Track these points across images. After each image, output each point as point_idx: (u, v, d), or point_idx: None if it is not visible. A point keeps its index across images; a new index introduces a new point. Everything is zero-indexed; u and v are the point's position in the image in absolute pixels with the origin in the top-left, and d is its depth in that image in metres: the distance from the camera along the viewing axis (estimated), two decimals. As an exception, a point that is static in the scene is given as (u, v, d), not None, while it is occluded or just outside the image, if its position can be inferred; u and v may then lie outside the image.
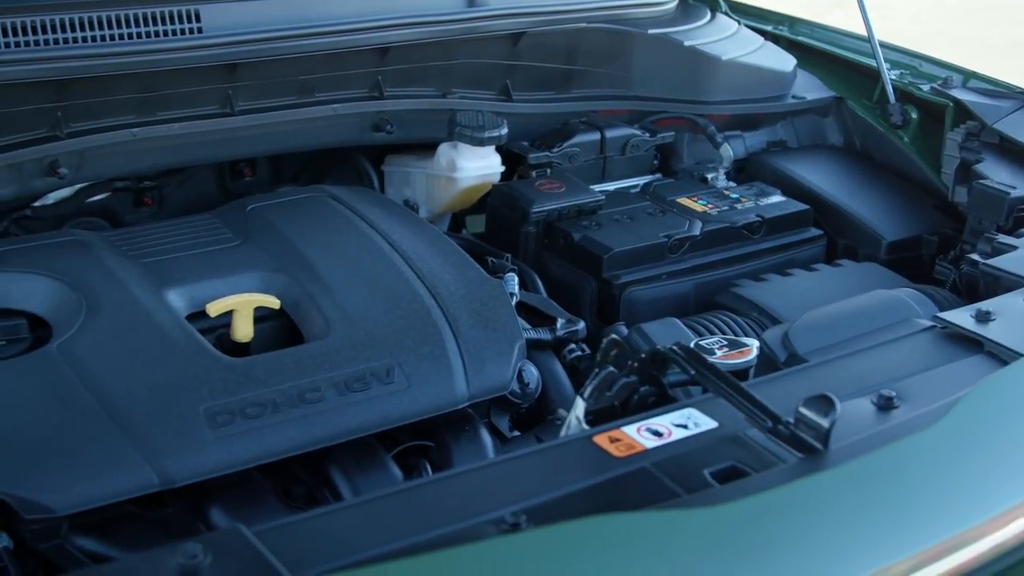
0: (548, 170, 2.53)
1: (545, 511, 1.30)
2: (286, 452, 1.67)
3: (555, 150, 2.57)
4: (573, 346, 2.08)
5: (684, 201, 2.48)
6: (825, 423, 1.39)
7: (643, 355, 1.55)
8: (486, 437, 1.83)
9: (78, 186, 2.40)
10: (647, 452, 1.43)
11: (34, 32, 2.12)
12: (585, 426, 1.52)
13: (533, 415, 2.00)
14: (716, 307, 2.23)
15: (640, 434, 1.46)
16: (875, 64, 2.83)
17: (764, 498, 1.32)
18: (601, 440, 1.45)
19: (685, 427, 1.48)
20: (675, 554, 1.23)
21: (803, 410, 1.41)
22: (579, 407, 1.53)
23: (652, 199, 2.50)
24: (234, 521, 1.62)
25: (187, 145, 2.33)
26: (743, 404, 1.47)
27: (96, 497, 1.55)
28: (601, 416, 1.55)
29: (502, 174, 2.57)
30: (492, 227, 2.46)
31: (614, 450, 1.43)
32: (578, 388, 1.98)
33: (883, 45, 2.86)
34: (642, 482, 1.37)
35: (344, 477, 1.72)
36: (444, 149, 2.52)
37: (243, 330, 1.88)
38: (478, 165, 2.49)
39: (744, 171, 2.76)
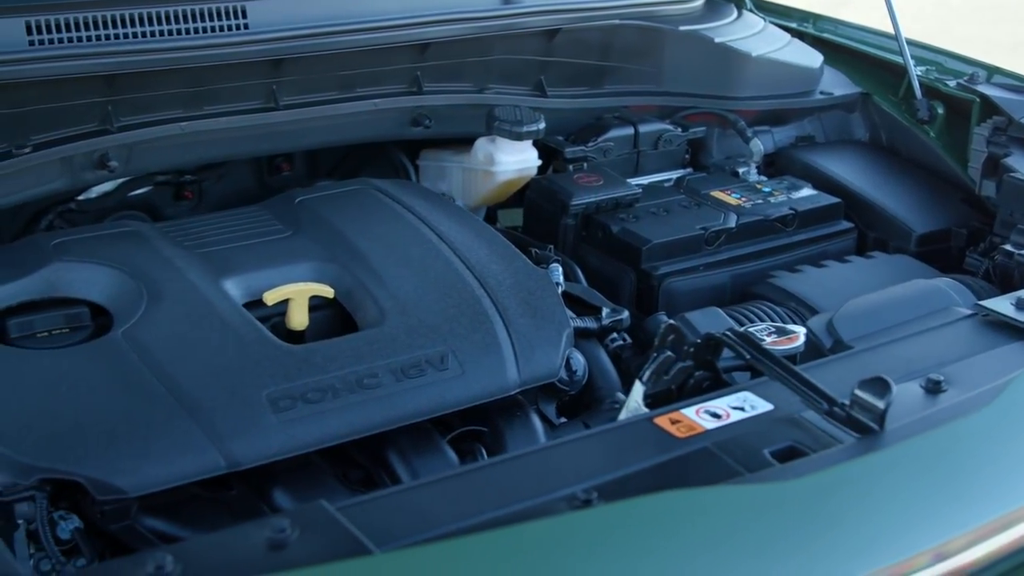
0: (584, 164, 2.57)
1: (614, 488, 1.35)
2: (346, 436, 1.71)
3: (590, 144, 2.61)
4: (615, 335, 2.12)
5: (718, 194, 2.52)
6: (881, 404, 1.43)
7: (699, 340, 1.59)
8: (537, 422, 1.87)
9: (120, 180, 2.44)
10: (707, 433, 1.47)
11: (86, 28, 2.16)
12: (644, 409, 1.56)
13: (578, 402, 2.04)
14: (753, 297, 2.27)
15: (699, 416, 1.51)
16: (900, 60, 2.88)
17: (825, 476, 1.37)
18: (662, 422, 1.49)
19: (742, 409, 1.53)
20: (744, 529, 1.28)
21: (859, 392, 1.46)
22: (638, 390, 1.57)
23: (686, 192, 2.55)
24: (298, 502, 1.66)
25: (232, 139, 2.38)
26: (799, 387, 1.51)
27: (165, 479, 1.59)
28: (658, 399, 1.60)
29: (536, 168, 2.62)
30: (530, 220, 2.50)
31: (675, 431, 1.47)
32: (622, 376, 2.05)
33: (908, 42, 2.90)
34: (705, 461, 1.41)
35: (402, 460, 1.76)
36: (482, 143, 2.56)
37: (298, 318, 1.92)
38: (516, 159, 2.53)
39: (773, 165, 2.81)
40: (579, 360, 1.99)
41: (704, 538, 1.26)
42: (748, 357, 1.56)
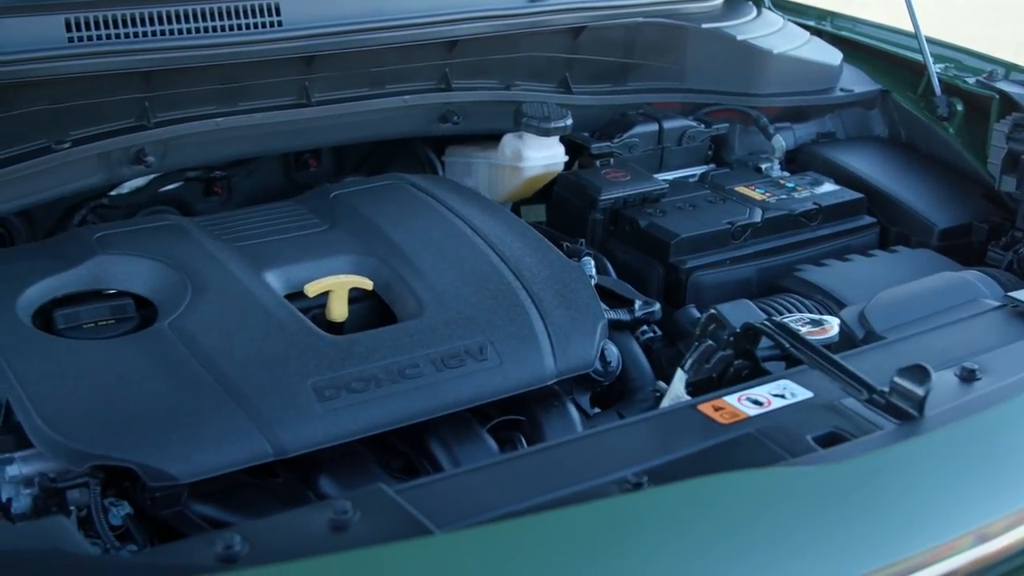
0: (611, 160, 2.61)
1: (663, 472, 1.38)
2: (390, 424, 1.74)
3: (616, 140, 2.65)
4: (646, 327, 2.16)
5: (742, 190, 2.56)
6: (921, 391, 1.47)
7: (739, 330, 1.62)
8: (574, 412, 1.91)
9: (151, 176, 2.47)
10: (750, 419, 1.51)
11: (124, 25, 2.20)
12: (686, 396, 1.60)
13: (610, 392, 2.07)
14: (780, 290, 2.30)
15: (741, 403, 1.54)
16: (918, 58, 2.91)
17: (869, 460, 1.40)
18: (706, 408, 1.53)
19: (783, 397, 1.56)
20: (793, 509, 1.31)
21: (898, 380, 1.49)
22: (680, 379, 1.61)
23: (711, 188, 2.58)
24: (343, 490, 1.70)
25: (265, 135, 2.41)
26: (838, 375, 1.55)
27: (215, 466, 1.62)
28: (699, 387, 1.63)
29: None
30: (557, 214, 2.54)
31: (719, 417, 1.51)
32: (653, 367, 2.08)
33: (926, 40, 2.93)
34: (749, 446, 1.44)
35: (443, 448, 1.80)
36: (509, 139, 2.59)
37: (338, 310, 1.96)
38: (543, 155, 2.56)
39: (795, 161, 2.84)
40: (613, 351, 2.03)
41: (754, 519, 1.29)
42: (788, 346, 1.59)
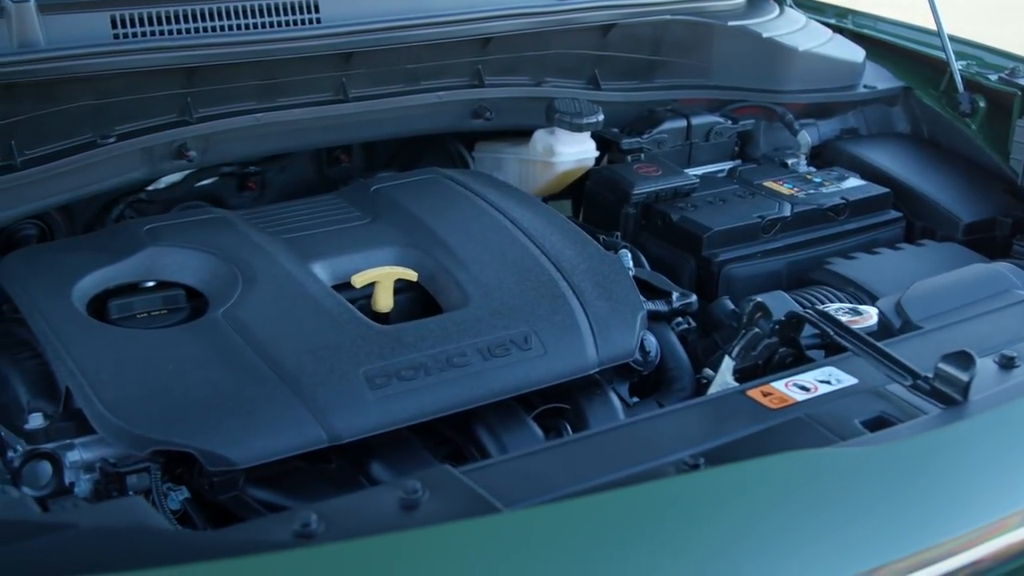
0: (641, 155, 2.65)
1: (718, 454, 1.42)
2: (439, 412, 1.78)
3: (645, 136, 2.69)
4: (680, 319, 2.19)
5: (771, 185, 2.60)
6: (965, 377, 1.51)
7: (784, 318, 1.66)
8: (615, 400, 1.94)
9: (187, 171, 2.51)
10: (798, 404, 1.55)
11: (168, 21, 2.24)
12: (734, 383, 1.64)
13: (646, 383, 2.11)
14: (812, 283, 2.34)
15: (789, 389, 1.58)
16: (940, 55, 2.95)
17: (917, 442, 1.44)
18: (754, 394, 1.57)
19: (828, 383, 1.60)
20: (847, 489, 1.35)
21: (942, 366, 1.53)
22: (727, 365, 1.65)
23: (739, 183, 2.62)
24: (395, 475, 1.74)
25: (303, 130, 2.45)
26: (883, 361, 1.59)
27: (272, 452, 1.66)
28: (745, 374, 1.67)
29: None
30: (590, 209, 2.58)
31: (768, 403, 1.55)
32: (690, 358, 2.12)
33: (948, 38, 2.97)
34: (800, 430, 1.49)
35: (491, 435, 1.83)
36: (541, 135, 2.63)
37: (384, 301, 2.00)
38: (575, 150, 2.60)
39: (819, 157, 2.88)
40: (652, 341, 2.07)
41: (810, 498, 1.33)
42: (832, 334, 1.63)
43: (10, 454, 1.81)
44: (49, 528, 1.15)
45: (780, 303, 2.12)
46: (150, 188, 2.51)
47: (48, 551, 1.13)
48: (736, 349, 1.66)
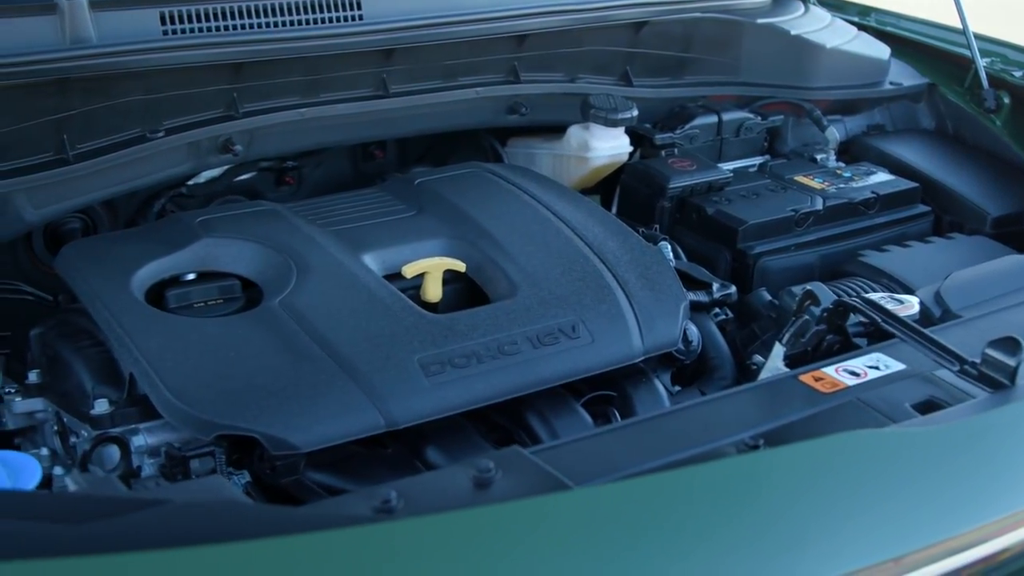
0: (675, 150, 2.69)
1: (776, 435, 1.46)
2: (491, 398, 1.82)
3: (678, 131, 2.73)
4: (718, 310, 2.24)
5: (802, 179, 2.65)
6: (1012, 362, 1.55)
7: (832, 306, 1.71)
8: (661, 388, 1.99)
9: (227, 166, 2.55)
10: (850, 389, 1.59)
11: (215, 18, 2.28)
12: (784, 368, 1.68)
13: (683, 372, 2.15)
14: (845, 275, 2.39)
15: (839, 374, 1.63)
16: (963, 52, 3.00)
17: (969, 425, 1.48)
18: (807, 379, 1.62)
19: (877, 368, 1.65)
20: (904, 468, 1.39)
21: (989, 351, 1.58)
22: (778, 352, 1.69)
23: (770, 177, 2.67)
24: (450, 460, 1.78)
25: (345, 125, 2.49)
26: (930, 348, 1.63)
27: (332, 436, 1.71)
28: (795, 360, 1.71)
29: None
30: (624, 203, 2.62)
31: (820, 387, 1.60)
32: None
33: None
34: (853, 412, 1.53)
35: (541, 422, 1.88)
36: (575, 130, 2.68)
37: (433, 291, 2.04)
38: (609, 145, 2.65)
39: (847, 153, 2.93)
40: (694, 331, 2.11)
41: (868, 476, 1.37)
42: (880, 321, 1.68)
43: (73, 439, 1.86)
44: (145, 504, 1.19)
45: (820, 294, 2.16)
46: (190, 183, 2.55)
47: (147, 525, 1.17)
48: (786, 336, 1.71)
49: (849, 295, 2.23)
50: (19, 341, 2.16)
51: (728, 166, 2.76)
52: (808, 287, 1.77)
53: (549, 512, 1.28)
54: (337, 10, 2.39)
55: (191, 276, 2.02)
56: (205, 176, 2.56)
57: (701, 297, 2.17)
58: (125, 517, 1.17)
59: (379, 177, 2.76)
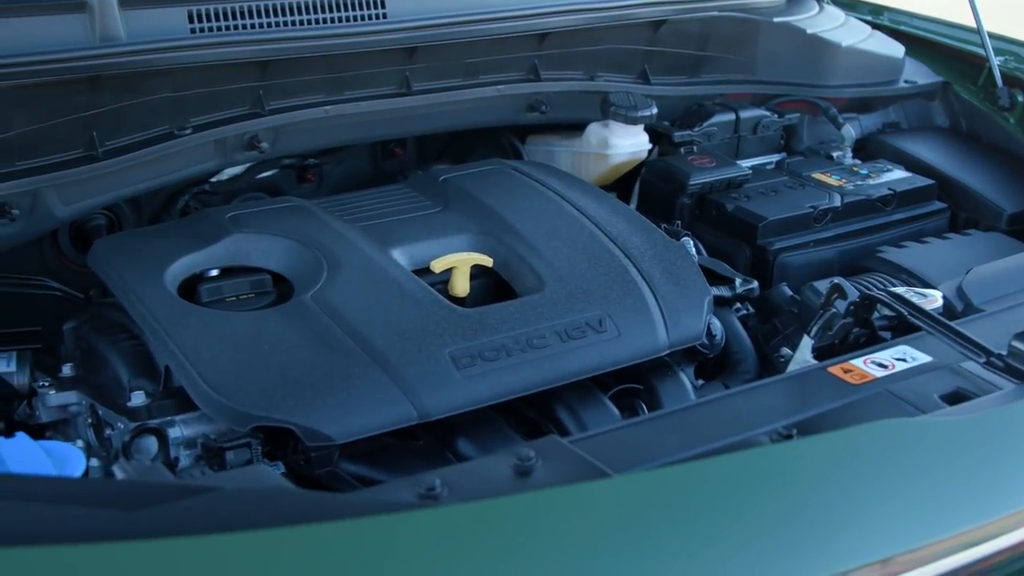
0: (694, 147, 2.72)
1: (808, 425, 1.49)
2: (521, 391, 1.85)
3: (696, 129, 2.76)
4: (739, 305, 2.27)
5: (819, 176, 2.67)
6: (1038, 353, 1.58)
7: (859, 299, 1.73)
8: (686, 381, 2.02)
9: (249, 163, 2.58)
10: (878, 380, 1.62)
11: (242, 16, 2.30)
12: (813, 361, 1.71)
13: (705, 366, 2.18)
14: (864, 270, 2.41)
15: (867, 366, 1.65)
16: (977, 51, 3.02)
17: (998, 415, 1.51)
18: (835, 371, 1.64)
19: (904, 360, 1.67)
20: (936, 457, 1.42)
21: (1016, 343, 1.60)
22: (807, 344, 1.72)
23: (788, 174, 2.69)
24: (481, 452, 1.81)
25: (368, 122, 2.52)
26: (956, 340, 1.66)
27: (366, 428, 1.73)
28: (822, 353, 1.74)
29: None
30: (645, 199, 2.65)
31: (849, 379, 1.62)
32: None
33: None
34: (883, 403, 1.56)
35: (570, 414, 1.90)
36: (595, 128, 2.70)
37: (461, 286, 2.07)
38: (629, 143, 2.67)
39: (863, 150, 2.95)
40: (717, 325, 2.14)
41: (901, 465, 1.40)
42: (907, 314, 1.70)
43: (108, 431, 1.89)
44: (197, 491, 1.22)
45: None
46: (213, 180, 2.57)
47: (199, 511, 1.19)
48: (814, 328, 1.73)
49: (871, 291, 2.26)
50: (49, 336, 2.19)
51: (745, 163, 2.79)
52: (836, 281, 1.80)
53: (590, 499, 1.31)
54: (362, 8, 2.41)
55: (214, 272, 2.05)
56: (228, 173, 2.58)
57: (724, 292, 2.20)
58: (178, 503, 1.20)
59: (399, 175, 2.80)
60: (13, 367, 2.16)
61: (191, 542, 1.14)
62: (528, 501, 1.30)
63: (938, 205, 2.70)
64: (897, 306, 1.72)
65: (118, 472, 1.43)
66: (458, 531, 1.25)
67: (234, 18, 2.30)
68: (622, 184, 2.82)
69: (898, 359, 1.67)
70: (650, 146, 2.72)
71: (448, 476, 1.35)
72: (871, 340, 1.80)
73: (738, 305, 2.26)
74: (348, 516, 1.22)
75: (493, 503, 1.29)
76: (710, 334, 2.11)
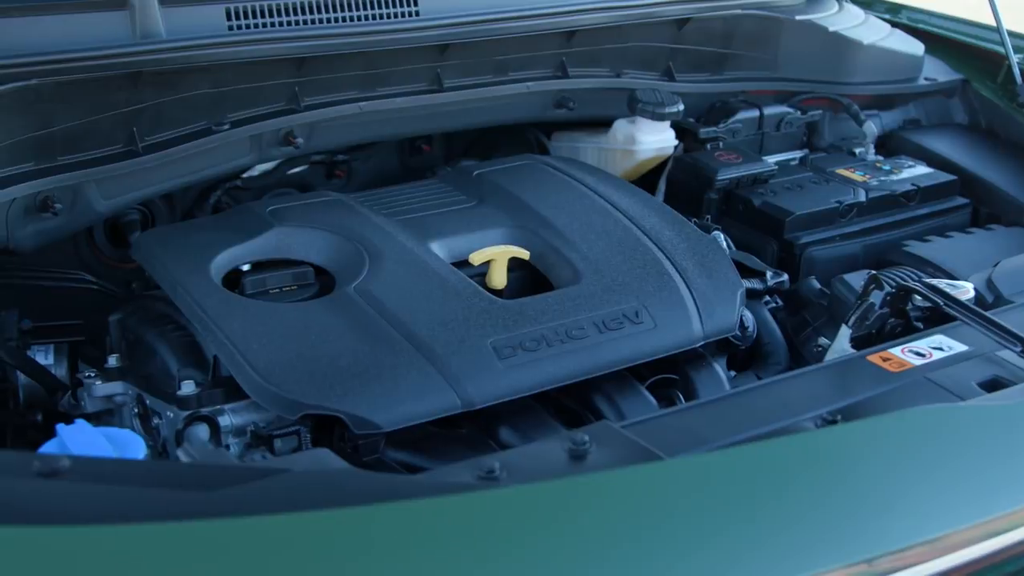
0: (720, 143, 2.76)
1: (851, 411, 1.53)
2: (561, 381, 1.89)
3: (720, 126, 2.80)
4: (768, 297, 2.30)
5: (843, 172, 2.71)
6: (1073, 343, 1.61)
7: (894, 290, 1.77)
8: (721, 371, 2.05)
9: (279, 159, 2.62)
10: (917, 368, 1.65)
11: (279, 14, 2.35)
12: (851, 350, 1.74)
13: (735, 358, 2.22)
14: (889, 264, 2.45)
15: (905, 354, 1.69)
16: (996, 48, 3.06)
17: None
18: (874, 359, 1.68)
19: (941, 349, 1.71)
20: (978, 441, 1.45)
21: (1051, 332, 1.64)
22: (845, 334, 1.75)
23: (812, 170, 2.73)
24: (523, 440, 1.84)
25: (401, 119, 2.56)
26: (992, 330, 1.69)
27: (412, 416, 1.77)
28: (859, 343, 1.77)
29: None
30: (672, 195, 2.68)
31: (888, 367, 1.66)
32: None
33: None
34: (923, 390, 1.60)
35: (608, 404, 1.94)
36: (621, 124, 2.74)
37: (499, 278, 2.10)
38: (656, 139, 2.71)
39: (884, 147, 2.99)
40: (749, 317, 2.17)
41: (945, 449, 1.44)
42: (942, 304, 1.74)
43: (155, 420, 1.93)
44: (268, 472, 1.25)
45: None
46: (244, 176, 2.61)
47: (272, 491, 1.23)
48: (852, 318, 1.77)
49: (906, 282, 2.30)
50: (91, 328, 2.23)
51: (769, 160, 2.82)
52: (874, 272, 1.84)
53: (644, 481, 1.34)
54: (395, 6, 2.45)
55: (246, 267, 2.08)
56: (258, 169, 2.62)
57: (756, 285, 2.23)
58: (251, 484, 1.24)
59: (427, 171, 2.83)
60: (51, 360, 2.20)
61: (267, 520, 1.18)
62: (585, 483, 1.34)
63: (960, 200, 2.74)
64: (933, 296, 1.76)
65: (183, 457, 1.47)
66: (518, 511, 1.28)
67: (271, 15, 2.34)
68: (645, 181, 2.86)
69: (935, 348, 1.71)
70: (677, 142, 2.75)
71: (506, 459, 1.38)
72: (906, 330, 1.84)
73: (767, 298, 2.30)
74: (413, 496, 1.26)
75: (551, 484, 1.32)
76: (743, 326, 2.15)
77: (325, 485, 1.25)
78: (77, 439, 1.50)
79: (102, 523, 1.14)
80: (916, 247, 2.47)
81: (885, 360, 1.66)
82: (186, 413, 1.81)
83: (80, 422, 1.55)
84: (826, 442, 1.45)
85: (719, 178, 2.58)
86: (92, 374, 2.04)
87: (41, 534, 1.17)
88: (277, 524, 1.16)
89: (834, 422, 1.48)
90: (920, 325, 1.91)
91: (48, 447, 1.50)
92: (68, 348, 2.23)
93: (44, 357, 2.19)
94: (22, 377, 2.13)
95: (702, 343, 2.03)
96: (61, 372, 2.19)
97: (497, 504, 1.28)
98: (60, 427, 1.53)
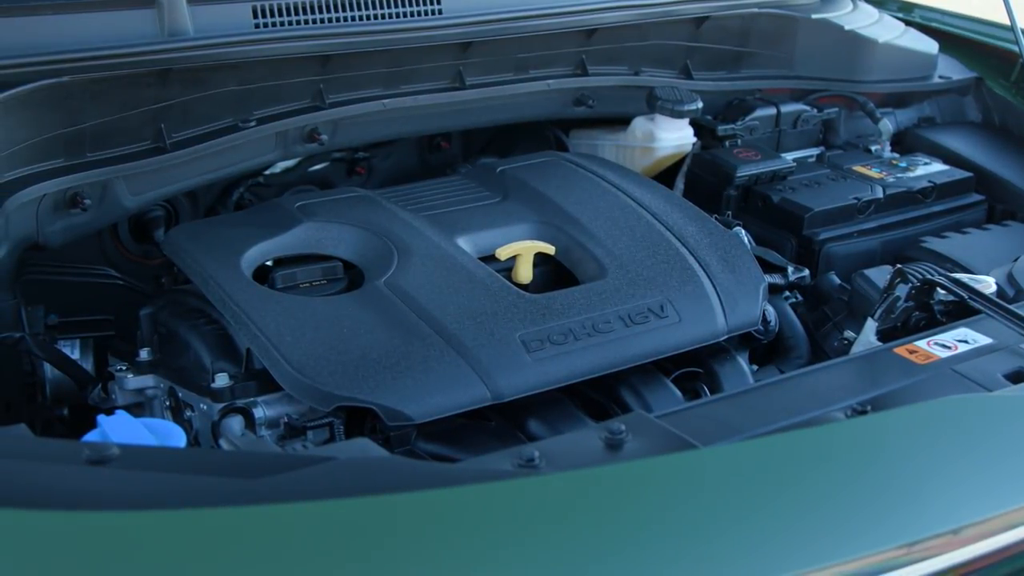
0: (738, 140, 2.78)
1: (880, 402, 1.55)
2: (588, 374, 1.91)
3: (738, 123, 2.82)
4: (788, 293, 2.33)
5: (860, 169, 2.74)
6: (1097, 334, 1.64)
7: (919, 283, 1.80)
8: (744, 365, 2.08)
9: (300, 156, 2.64)
10: (943, 360, 1.68)
11: (304, 12, 2.37)
12: (877, 342, 1.77)
13: (755, 352, 2.24)
14: (908, 260, 2.47)
15: (931, 347, 1.72)
16: (1009, 46, 3.08)
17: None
18: (901, 351, 1.70)
19: (966, 342, 1.74)
20: (1008, 431, 1.48)
21: (1075, 325, 1.66)
22: (870, 327, 1.78)
23: (829, 167, 2.76)
24: (551, 432, 1.87)
25: (423, 116, 2.58)
26: (1016, 323, 1.72)
27: (443, 408, 1.79)
28: (883, 336, 1.80)
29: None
30: (691, 191, 2.71)
31: (914, 359, 1.68)
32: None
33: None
34: (950, 381, 1.62)
35: (635, 396, 1.97)
36: (640, 121, 2.76)
37: (524, 273, 2.13)
38: (675, 136, 2.74)
39: (900, 144, 3.02)
40: (771, 312, 2.20)
41: (972, 437, 1.46)
42: (967, 298, 1.77)
43: (187, 413, 1.95)
44: (314, 460, 1.28)
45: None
46: (267, 173, 2.64)
47: (317, 479, 1.26)
48: (878, 312, 1.80)
49: (931, 276, 2.32)
50: (121, 323, 2.25)
51: (790, 156, 2.85)
52: (900, 266, 1.86)
53: (680, 469, 1.37)
54: (419, 4, 2.48)
55: (269, 262, 2.11)
56: (281, 166, 2.65)
57: (777, 280, 2.26)
58: (297, 472, 1.26)
59: (446, 168, 2.86)
60: (77, 354, 2.23)
61: (313, 506, 1.21)
62: (622, 471, 1.36)
63: (976, 197, 2.77)
64: (958, 290, 1.78)
65: (225, 446, 1.49)
66: (557, 498, 1.31)
67: (296, 13, 2.37)
68: (662, 178, 2.88)
69: (960, 341, 1.73)
70: (695, 140, 2.78)
71: (544, 448, 1.41)
72: (930, 323, 1.86)
73: (787, 293, 2.32)
74: (456, 483, 1.28)
75: (589, 472, 1.35)
76: (765, 320, 2.17)
77: (371, 472, 1.28)
78: (119, 429, 1.53)
79: (151, 509, 1.17)
80: (934, 243, 2.50)
81: (912, 352, 1.69)
82: (221, 405, 1.83)
83: (121, 412, 1.58)
84: (858, 431, 1.47)
85: (739, 174, 2.60)
86: (123, 367, 2.07)
87: (91, 519, 1.19)
88: (327, 509, 1.19)
89: (864, 412, 1.50)
90: (943, 319, 1.94)
91: (90, 437, 1.52)
92: (93, 343, 2.26)
93: (70, 352, 2.22)
94: (49, 372, 2.16)
95: (725, 337, 2.06)
96: (87, 367, 2.21)
97: (539, 491, 1.31)
98: (101, 418, 1.56)
